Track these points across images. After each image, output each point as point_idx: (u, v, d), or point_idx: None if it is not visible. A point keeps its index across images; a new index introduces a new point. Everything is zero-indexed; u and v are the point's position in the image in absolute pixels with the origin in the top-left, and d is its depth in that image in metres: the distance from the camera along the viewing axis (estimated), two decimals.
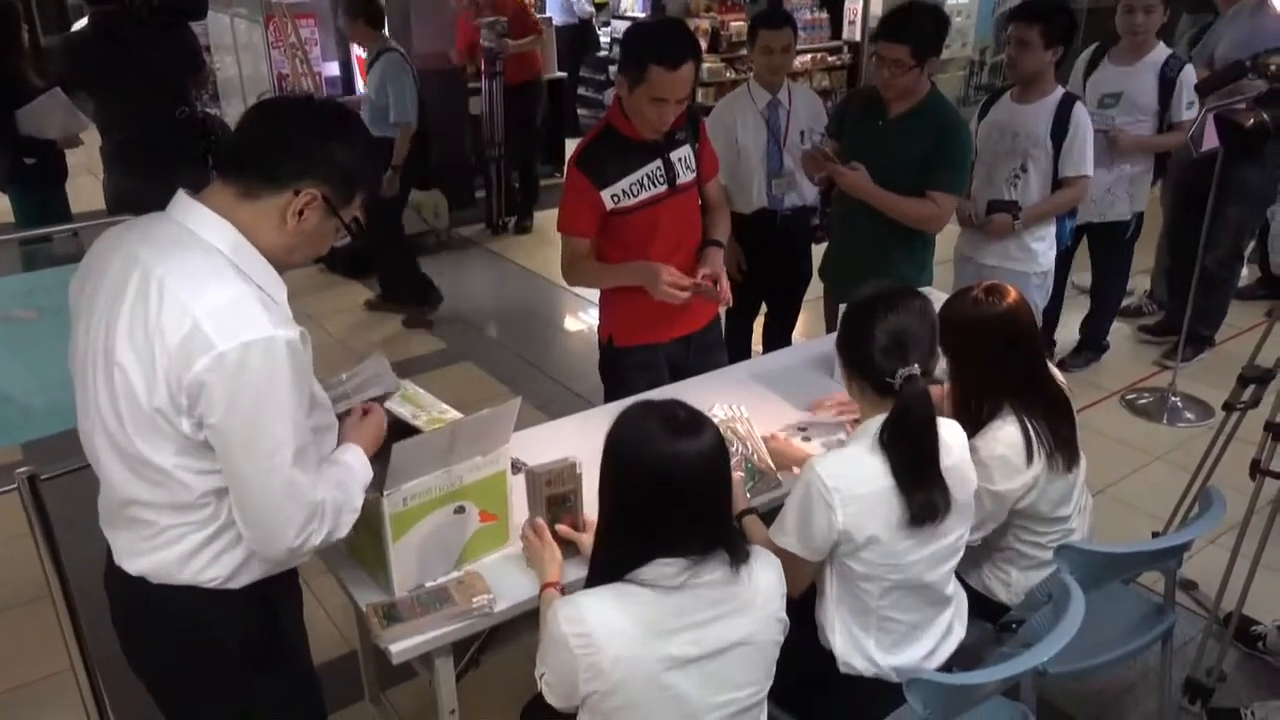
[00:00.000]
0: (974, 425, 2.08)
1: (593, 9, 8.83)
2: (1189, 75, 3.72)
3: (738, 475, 2.15)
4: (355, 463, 1.61)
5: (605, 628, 1.48)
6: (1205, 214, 3.76)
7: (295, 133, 1.46)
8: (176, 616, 1.54)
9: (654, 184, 2.54)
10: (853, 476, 1.79)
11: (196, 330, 1.35)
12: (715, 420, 1.61)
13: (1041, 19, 3.20)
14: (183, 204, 1.47)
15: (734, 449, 2.22)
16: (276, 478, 1.42)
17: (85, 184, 5.50)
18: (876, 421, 1.82)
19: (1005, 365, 2.10)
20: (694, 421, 1.52)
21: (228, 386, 1.36)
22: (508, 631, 2.02)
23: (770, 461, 2.22)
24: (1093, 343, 4.33)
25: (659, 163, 2.54)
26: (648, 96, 2.36)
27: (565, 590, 1.75)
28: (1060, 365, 3.82)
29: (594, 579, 1.60)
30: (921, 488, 1.77)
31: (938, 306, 2.18)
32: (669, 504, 1.50)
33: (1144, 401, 4.16)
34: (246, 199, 1.45)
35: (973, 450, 1.99)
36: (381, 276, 5.31)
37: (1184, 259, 4.50)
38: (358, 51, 6.06)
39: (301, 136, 1.46)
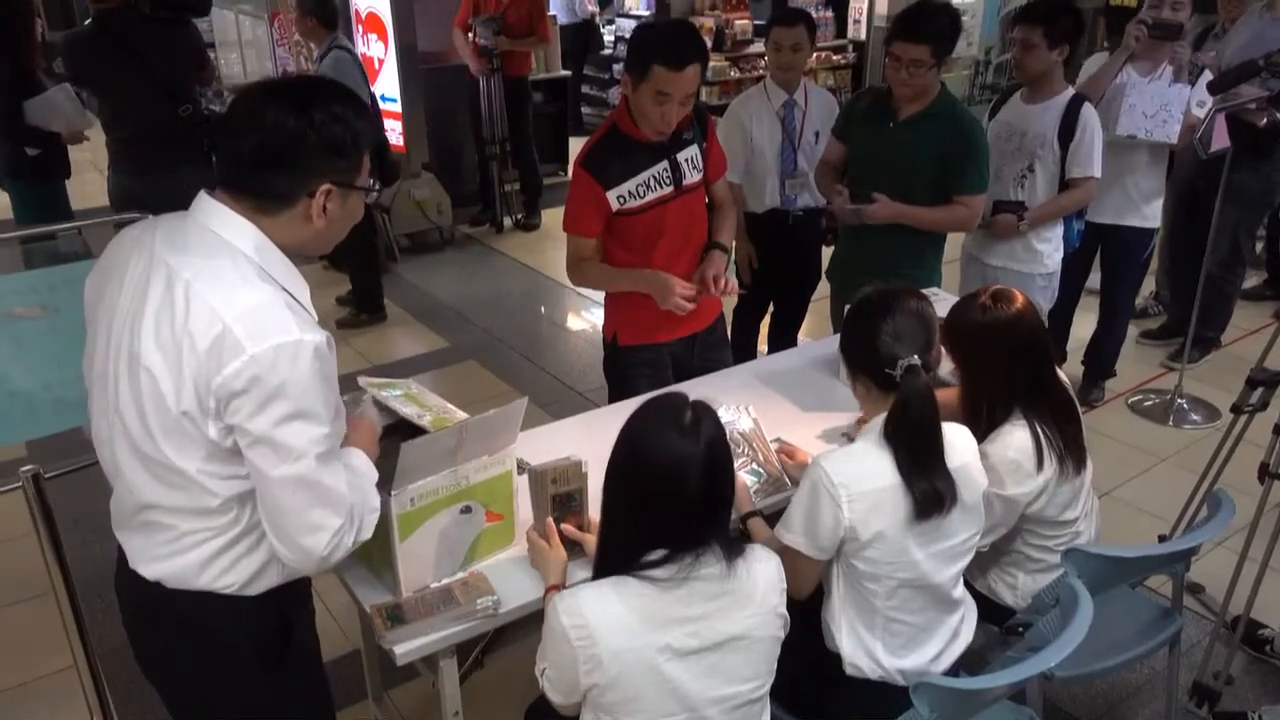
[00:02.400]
0: (984, 430, 2.07)
1: (596, 8, 8.82)
2: (1202, 77, 3.70)
3: (746, 478, 2.14)
4: (361, 465, 1.60)
5: (604, 620, 1.49)
6: (1203, 216, 3.73)
7: (277, 139, 1.38)
8: (192, 621, 1.54)
9: (660, 185, 2.53)
10: (859, 473, 1.79)
11: (227, 334, 1.34)
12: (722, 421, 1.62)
13: (1045, 20, 3.19)
14: (205, 206, 1.45)
15: (740, 449, 2.21)
16: (304, 482, 1.41)
17: (90, 180, 5.51)
18: (881, 418, 1.83)
19: (1013, 370, 2.09)
20: (697, 418, 1.53)
21: (258, 390, 1.35)
22: (512, 633, 2.02)
23: (777, 463, 2.21)
24: (1103, 372, 4.21)
25: (665, 164, 2.53)
26: (650, 93, 2.35)
27: None
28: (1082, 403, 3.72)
29: (598, 574, 1.61)
30: (924, 476, 1.78)
31: (946, 308, 2.18)
32: (671, 498, 1.51)
33: (1150, 403, 4.14)
34: (263, 214, 1.44)
35: (983, 456, 1.99)
36: (354, 281, 5.18)
37: (1182, 261, 4.49)
38: (362, 49, 6.05)
39: (284, 139, 1.38)
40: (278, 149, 1.39)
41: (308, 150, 1.40)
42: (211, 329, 1.35)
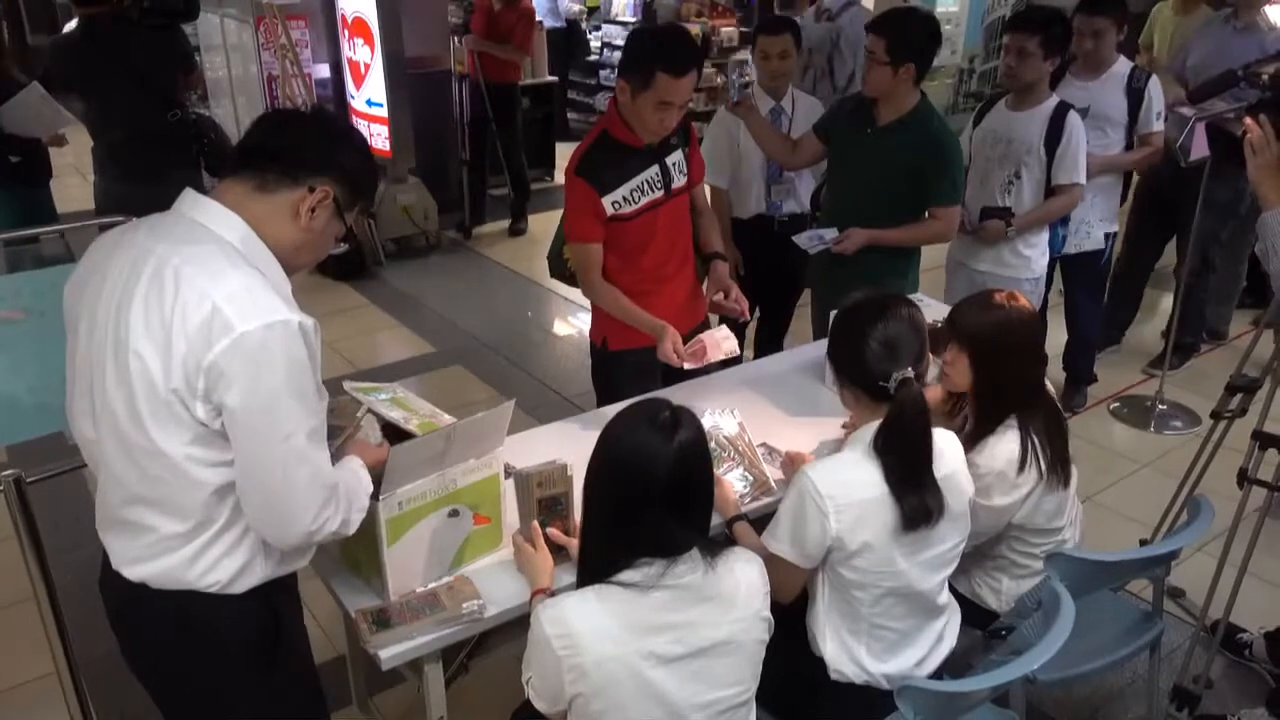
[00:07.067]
0: (983, 433, 2.08)
1: (581, 6, 8.83)
2: (1156, 85, 3.72)
3: (735, 483, 2.14)
4: (360, 470, 1.63)
5: (588, 629, 1.49)
6: (1165, 223, 3.72)
7: (315, 135, 1.55)
8: (178, 621, 1.54)
9: (653, 189, 2.54)
10: (847, 483, 1.79)
11: (217, 313, 1.37)
12: (706, 427, 1.62)
13: (1042, 28, 3.20)
14: (191, 200, 1.50)
15: (725, 454, 2.21)
16: (293, 458, 1.43)
17: (72, 184, 5.47)
18: (871, 428, 1.82)
19: (1026, 370, 2.10)
20: (674, 419, 1.54)
21: (248, 367, 1.38)
22: (497, 637, 2.01)
23: (764, 468, 2.22)
24: (1082, 378, 4.24)
25: (656, 168, 2.53)
26: (653, 102, 2.36)
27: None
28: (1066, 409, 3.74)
29: (581, 579, 1.61)
30: (914, 490, 1.78)
31: (927, 314, 2.19)
32: (640, 493, 1.52)
33: (1131, 409, 4.18)
34: (261, 192, 1.49)
35: (972, 466, 2.00)
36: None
37: (1140, 266, 4.52)
38: (349, 54, 6.04)
39: (320, 139, 1.54)
40: (311, 136, 1.54)
41: (335, 153, 1.53)
42: (201, 309, 1.37)
